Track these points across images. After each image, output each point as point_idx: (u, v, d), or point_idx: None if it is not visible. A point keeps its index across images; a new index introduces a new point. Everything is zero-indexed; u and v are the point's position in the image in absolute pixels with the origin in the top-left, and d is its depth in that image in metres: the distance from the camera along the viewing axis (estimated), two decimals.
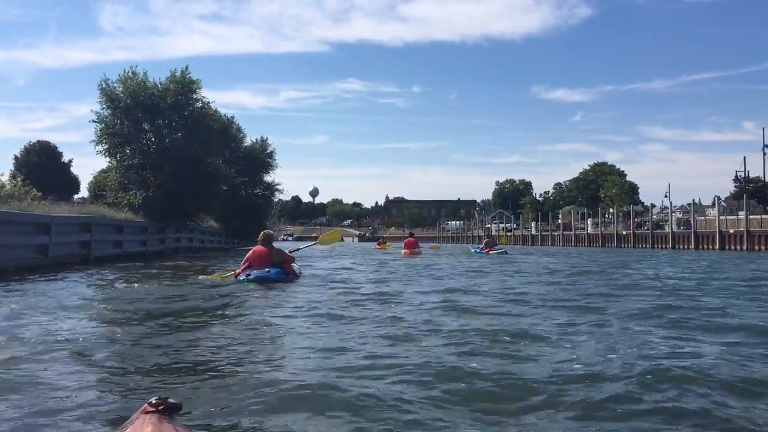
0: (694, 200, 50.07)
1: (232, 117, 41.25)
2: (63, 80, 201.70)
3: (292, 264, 12.43)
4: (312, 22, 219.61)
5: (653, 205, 67.01)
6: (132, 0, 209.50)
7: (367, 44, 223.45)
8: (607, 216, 64.27)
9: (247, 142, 43.45)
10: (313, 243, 18.67)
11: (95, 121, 27.36)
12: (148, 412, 2.04)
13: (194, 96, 28.81)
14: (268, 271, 11.40)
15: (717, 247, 40.92)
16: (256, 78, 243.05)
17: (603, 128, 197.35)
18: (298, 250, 15.58)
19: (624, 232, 54.20)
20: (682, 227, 48.08)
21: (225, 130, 37.67)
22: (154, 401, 2.07)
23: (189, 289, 11.02)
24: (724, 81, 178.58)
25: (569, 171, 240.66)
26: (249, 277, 11.28)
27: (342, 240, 28.93)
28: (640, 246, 50.18)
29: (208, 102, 29.70)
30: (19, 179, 21.20)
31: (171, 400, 2.10)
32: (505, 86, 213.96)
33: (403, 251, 30.43)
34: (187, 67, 28.41)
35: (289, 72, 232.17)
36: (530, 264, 20.95)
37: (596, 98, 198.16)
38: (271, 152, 44.67)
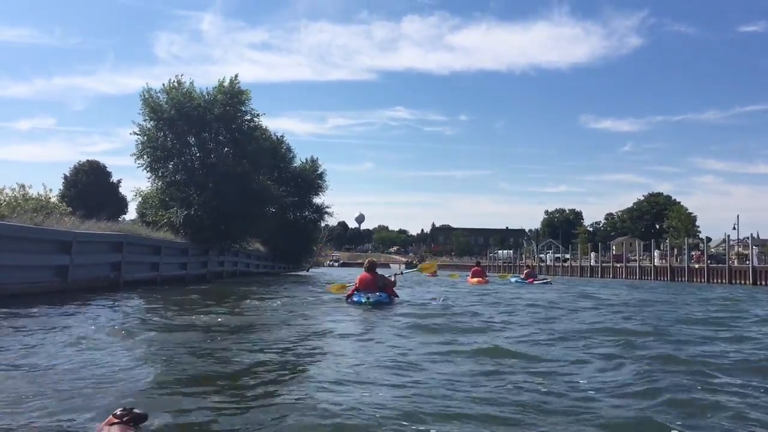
0: (749, 234, 46.16)
1: (282, 136, 39.18)
2: (119, 106, 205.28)
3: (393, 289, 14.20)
4: (360, 51, 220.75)
5: (709, 239, 62.56)
6: (186, 29, 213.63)
7: (415, 73, 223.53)
8: (661, 247, 60.83)
9: (297, 162, 41.25)
10: (415, 269, 23.56)
11: (137, 134, 25.36)
12: (112, 424, 2.22)
13: (243, 108, 26.60)
14: (379, 296, 13.11)
15: None
16: (304, 105, 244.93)
17: (653, 159, 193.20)
18: (401, 274, 18.01)
19: (697, 266, 50.19)
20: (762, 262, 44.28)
21: (274, 149, 35.55)
22: (119, 412, 2.29)
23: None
24: None
25: (618, 202, 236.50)
26: (369, 300, 12.77)
27: (435, 273, 28.67)
28: (715, 281, 46.23)
29: (258, 114, 27.38)
30: (50, 192, 19.16)
31: (136, 411, 2.33)
32: (552, 115, 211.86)
33: (475, 279, 29.19)
34: (236, 76, 26.26)
35: (337, 99, 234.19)
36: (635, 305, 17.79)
37: (646, 128, 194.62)
38: (322, 173, 42.25)
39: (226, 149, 26.67)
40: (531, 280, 30.05)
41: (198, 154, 26.31)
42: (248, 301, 14.13)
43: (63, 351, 6.42)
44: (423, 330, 8.90)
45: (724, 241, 55.36)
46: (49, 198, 19.62)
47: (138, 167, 25.36)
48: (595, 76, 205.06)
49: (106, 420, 2.12)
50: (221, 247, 27.15)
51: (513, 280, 32.52)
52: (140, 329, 8.29)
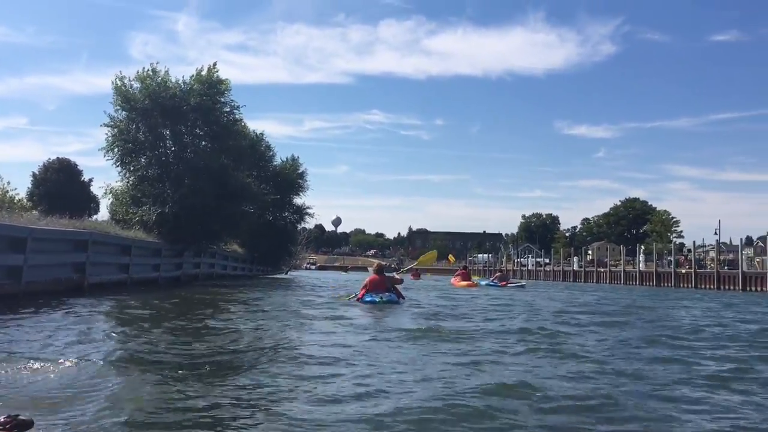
0: (739, 239, 45.75)
1: (262, 133, 37.26)
2: (92, 106, 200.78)
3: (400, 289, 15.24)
4: (337, 54, 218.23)
5: (694, 243, 62.16)
6: (161, 30, 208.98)
7: (391, 77, 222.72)
8: (643, 251, 60.56)
9: (277, 161, 39.44)
10: (415, 264, 24.15)
11: (107, 125, 23.50)
12: None
13: (222, 99, 24.83)
14: (390, 295, 14.25)
15: None
16: (281, 107, 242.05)
17: (626, 165, 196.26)
18: (403, 271, 19.80)
19: (683, 271, 49.28)
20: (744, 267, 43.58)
21: (253, 147, 33.68)
22: (2, 419, 2.16)
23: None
24: (750, 121, 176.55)
25: (592, 207, 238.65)
26: (383, 299, 13.88)
27: (419, 276, 28.68)
28: (703, 286, 45.35)
29: (238, 107, 25.59)
30: (6, 185, 17.25)
31: (21, 417, 2.21)
32: (527, 121, 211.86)
33: (463, 283, 29.09)
34: (215, 65, 24.49)
35: (314, 102, 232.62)
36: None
37: (619, 135, 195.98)
38: (303, 173, 40.37)
39: (203, 143, 24.87)
40: (504, 283, 30.29)
41: (173, 148, 24.48)
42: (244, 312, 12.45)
43: None
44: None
45: (701, 246, 55.15)
46: (6, 191, 17.65)
47: (108, 161, 23.54)
48: (570, 82, 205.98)
49: None
50: (197, 248, 25.33)
51: (483, 283, 32.22)
52: (91, 345, 6.64)
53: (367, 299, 14.12)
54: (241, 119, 26.85)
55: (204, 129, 24.57)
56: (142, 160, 23.83)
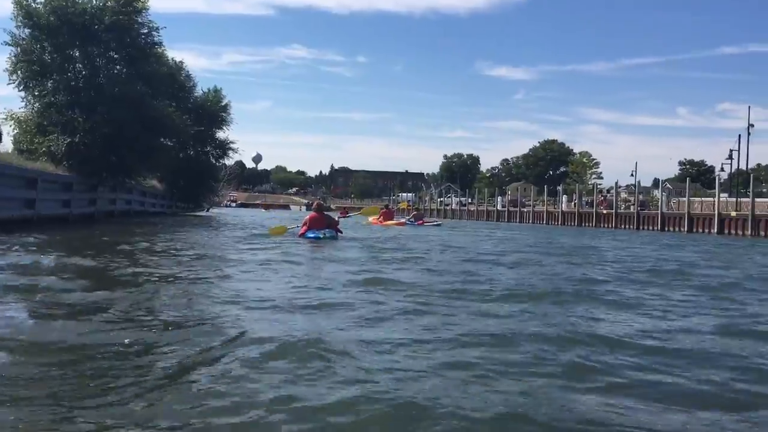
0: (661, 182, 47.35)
1: (181, 62, 34.74)
2: None
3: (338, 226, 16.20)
4: None
5: (616, 184, 63.86)
6: None
7: (313, 10, 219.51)
8: (561, 194, 61.83)
9: (198, 92, 37.08)
10: (358, 213, 24.80)
11: (8, 44, 20.98)
12: None
13: (139, 19, 22.55)
14: (331, 232, 15.26)
15: (716, 230, 37.26)
16: (197, 39, 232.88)
17: (544, 107, 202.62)
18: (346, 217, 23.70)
19: (605, 212, 50.31)
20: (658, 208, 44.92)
21: (173, 76, 31.28)
22: None
23: None
24: (660, 67, 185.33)
25: (511, 148, 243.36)
26: (326, 235, 14.92)
27: (347, 214, 27.60)
28: (623, 226, 46.48)
29: (157, 28, 23.32)
30: None
31: None
32: (450, 60, 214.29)
33: (391, 222, 29.20)
34: None
35: (233, 34, 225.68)
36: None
37: (538, 77, 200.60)
38: (226, 105, 38.15)
39: (118, 67, 22.67)
40: (420, 222, 30.39)
41: (84, 72, 22.15)
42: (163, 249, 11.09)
43: None
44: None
45: (613, 187, 56.73)
46: None
47: (9, 84, 21.08)
48: (492, 22, 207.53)
49: None
50: (113, 183, 23.36)
51: (404, 220, 32.44)
52: None
53: (310, 235, 15.04)
54: (161, 42, 24.58)
55: (119, 52, 22.34)
56: (49, 84, 21.44)
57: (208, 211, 46.82)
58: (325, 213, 16.62)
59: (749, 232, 35.40)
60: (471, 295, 6.51)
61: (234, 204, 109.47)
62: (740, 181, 50.40)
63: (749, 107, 51.24)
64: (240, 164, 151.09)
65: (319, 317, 5.09)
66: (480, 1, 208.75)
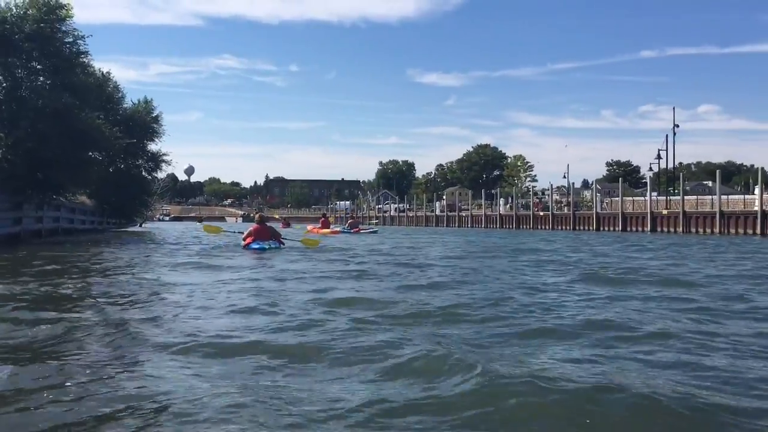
0: (593, 183, 48.63)
1: (108, 72, 33.36)
2: None
3: (281, 238, 16.87)
4: None
5: (551, 186, 65.45)
6: None
7: (242, 20, 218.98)
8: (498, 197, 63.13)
9: (127, 103, 35.72)
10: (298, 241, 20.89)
11: None
12: None
13: (63, 28, 21.44)
14: (275, 243, 16.09)
15: (649, 228, 38.31)
16: (123, 50, 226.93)
17: (475, 113, 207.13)
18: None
19: (542, 214, 51.25)
20: (596, 209, 46.06)
21: (100, 87, 29.94)
22: None
23: None
24: (584, 71, 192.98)
25: (445, 153, 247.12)
26: (271, 247, 15.63)
27: (288, 224, 28.60)
28: (560, 227, 47.40)
29: (83, 36, 22.21)
30: None
31: None
32: (381, 68, 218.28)
33: (326, 230, 29.85)
34: None
35: (161, 45, 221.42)
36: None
37: (469, 83, 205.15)
38: (157, 116, 36.83)
39: (41, 78, 21.49)
40: (357, 229, 31.44)
41: (4, 84, 20.90)
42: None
43: None
44: None
45: (547, 189, 58.07)
46: None
47: None
48: (422, 30, 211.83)
49: None
50: (39, 200, 22.13)
51: (338, 230, 33.40)
52: None
53: (255, 246, 15.63)
54: (87, 52, 23.41)
55: (42, 62, 21.17)
56: None
57: (140, 226, 45.44)
58: (269, 225, 17.39)
59: (681, 229, 36.57)
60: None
61: (167, 218, 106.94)
62: (664, 180, 52.19)
63: (674, 108, 53.31)
64: (172, 177, 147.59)
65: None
66: (410, 9, 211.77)
